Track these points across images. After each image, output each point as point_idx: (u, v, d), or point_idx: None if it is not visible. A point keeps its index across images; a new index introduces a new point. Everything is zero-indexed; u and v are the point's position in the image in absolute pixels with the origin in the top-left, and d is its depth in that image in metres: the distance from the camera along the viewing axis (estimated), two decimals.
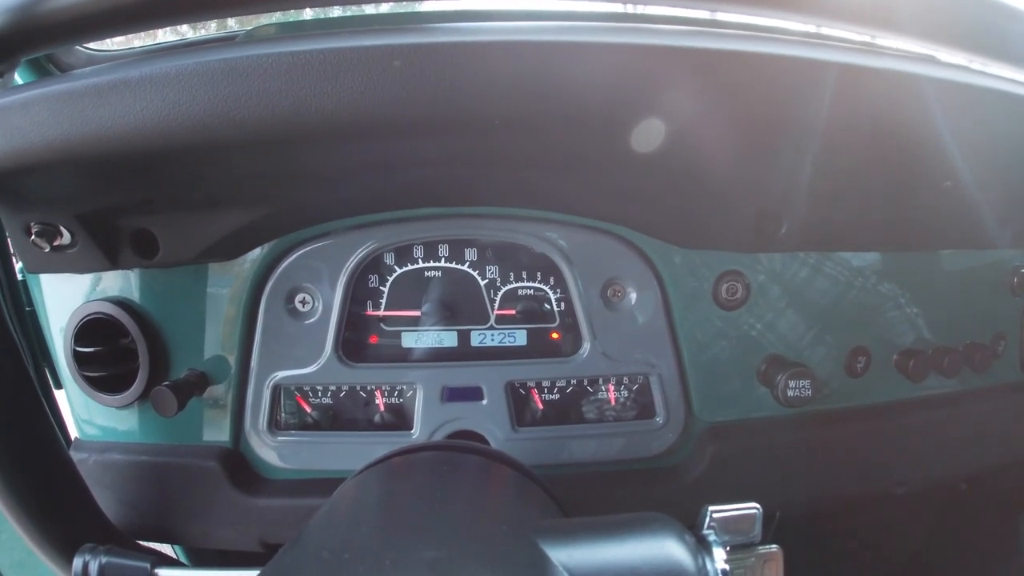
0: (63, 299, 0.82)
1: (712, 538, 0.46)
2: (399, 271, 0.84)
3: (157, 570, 0.66)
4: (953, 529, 1.27)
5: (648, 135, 0.62)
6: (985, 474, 1.07)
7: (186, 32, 1.40)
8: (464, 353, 0.85)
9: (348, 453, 0.83)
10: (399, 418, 0.85)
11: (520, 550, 0.42)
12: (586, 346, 0.83)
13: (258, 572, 0.43)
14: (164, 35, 1.36)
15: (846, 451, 0.90)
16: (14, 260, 0.92)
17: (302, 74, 0.52)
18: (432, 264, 0.84)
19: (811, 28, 0.84)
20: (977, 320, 0.95)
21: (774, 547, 0.50)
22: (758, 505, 0.49)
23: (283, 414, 0.85)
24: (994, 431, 0.98)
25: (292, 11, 1.17)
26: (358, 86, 0.53)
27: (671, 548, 0.43)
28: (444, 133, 0.61)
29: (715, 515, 0.47)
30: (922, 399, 0.94)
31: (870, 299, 0.89)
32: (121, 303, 0.79)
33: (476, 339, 0.85)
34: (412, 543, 0.42)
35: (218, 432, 0.83)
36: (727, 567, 0.44)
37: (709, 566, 0.43)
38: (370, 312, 0.84)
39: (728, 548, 0.46)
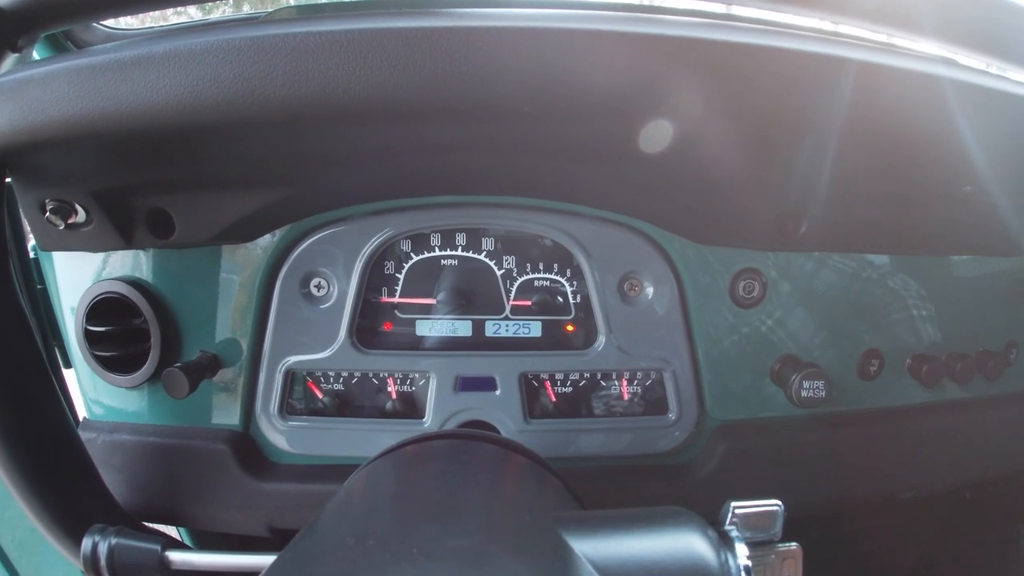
0: (76, 278, 0.82)
1: (734, 534, 0.45)
2: (415, 258, 0.83)
3: (167, 552, 0.65)
4: (957, 536, 1.27)
5: (655, 136, 0.62)
6: (991, 482, 1.07)
7: (195, 15, 1.39)
8: (478, 343, 0.84)
9: (358, 440, 0.82)
10: (411, 406, 0.85)
11: (544, 541, 0.42)
12: (601, 339, 0.83)
13: (273, 556, 0.43)
14: (178, 19, 1.35)
15: (856, 454, 0.90)
16: (27, 237, 0.91)
17: (329, 54, 0.52)
18: (448, 252, 0.83)
19: (829, 26, 0.84)
20: (990, 327, 0.95)
21: (794, 545, 0.50)
22: (780, 502, 0.48)
23: (294, 399, 0.84)
24: (1004, 439, 0.97)
25: None
26: (384, 68, 0.52)
27: (694, 543, 0.43)
28: (467, 119, 0.61)
29: (737, 511, 0.47)
30: (933, 404, 0.93)
31: (885, 302, 0.89)
32: (134, 283, 0.79)
33: (491, 329, 0.84)
34: (436, 531, 0.41)
35: (228, 415, 0.83)
36: (749, 563, 0.43)
37: (731, 562, 0.43)
38: (385, 299, 0.84)
39: (749, 544, 0.45)
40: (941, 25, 0.57)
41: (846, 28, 0.78)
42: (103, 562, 0.64)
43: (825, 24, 0.86)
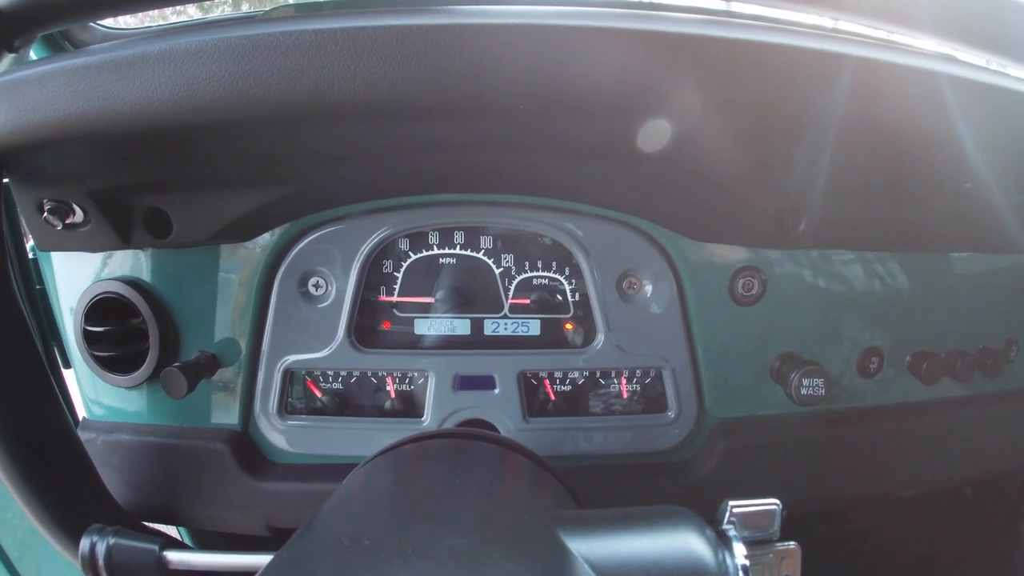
0: (74, 278, 0.82)
1: (732, 533, 0.45)
2: (413, 257, 0.83)
3: (165, 552, 0.65)
4: (958, 533, 1.27)
5: (653, 135, 0.62)
6: (991, 479, 1.07)
7: (194, 15, 1.39)
8: (477, 341, 0.84)
9: (357, 439, 0.82)
10: (409, 405, 0.85)
11: (540, 540, 0.42)
12: (600, 338, 0.83)
13: (271, 556, 0.42)
14: (177, 18, 1.35)
15: (856, 451, 0.90)
16: (26, 238, 0.91)
17: (324, 53, 0.52)
18: (447, 251, 0.83)
19: (828, 23, 0.84)
20: (990, 324, 0.95)
21: (792, 544, 0.49)
22: (778, 501, 0.48)
23: (293, 398, 0.84)
24: (1004, 437, 0.97)
25: None
26: (380, 66, 0.52)
27: (692, 542, 0.42)
28: (463, 117, 0.61)
29: (735, 510, 0.47)
30: (933, 402, 0.93)
31: (885, 300, 0.88)
32: (132, 283, 0.79)
33: (489, 328, 0.84)
34: (432, 531, 0.41)
35: (227, 415, 0.83)
36: (747, 562, 0.43)
37: (729, 561, 0.43)
38: (383, 298, 0.84)
39: (747, 544, 0.45)
40: (940, 21, 0.57)
41: (845, 25, 0.78)
42: (101, 562, 0.64)
43: (824, 21, 0.86)
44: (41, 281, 0.89)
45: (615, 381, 0.86)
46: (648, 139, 0.63)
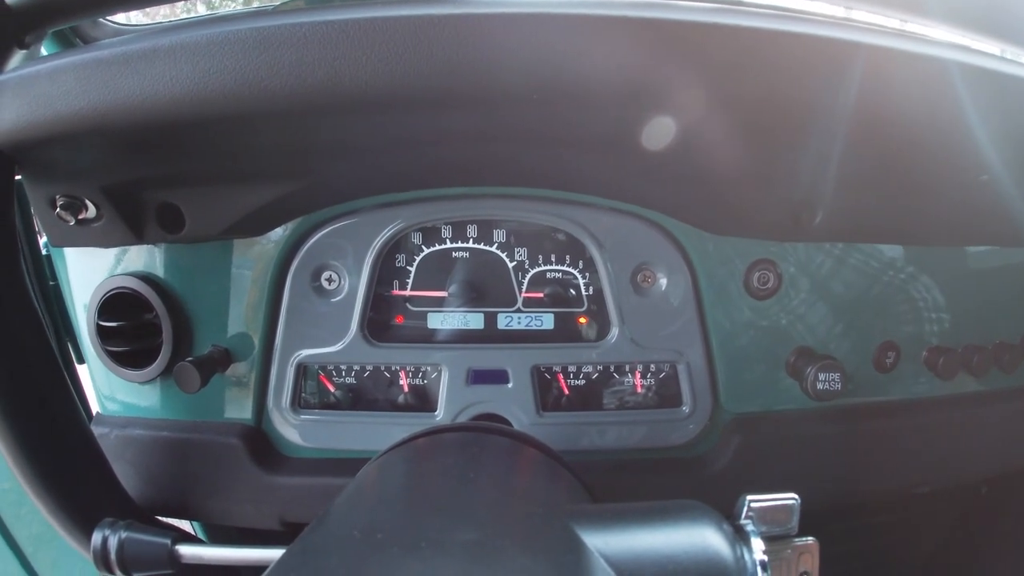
0: (87, 273, 0.82)
1: (750, 528, 0.45)
2: (426, 251, 0.83)
3: (177, 546, 0.65)
4: (972, 531, 1.25)
5: (657, 132, 0.61)
6: (1007, 477, 1.05)
7: (203, 11, 1.39)
8: (490, 336, 0.84)
9: (370, 433, 0.82)
10: (422, 399, 0.84)
11: (555, 534, 0.41)
12: (614, 332, 0.82)
13: (283, 550, 0.42)
14: (187, 14, 1.35)
15: (872, 447, 0.88)
16: (39, 234, 0.91)
17: (336, 44, 0.52)
18: (460, 245, 0.83)
19: (841, 11, 0.83)
20: (1007, 319, 0.93)
21: (810, 539, 0.49)
22: (796, 496, 0.47)
23: (306, 393, 0.84)
24: (1021, 433, 0.96)
25: None
26: (391, 56, 0.52)
27: (709, 537, 0.42)
28: (476, 107, 0.60)
29: (753, 505, 0.46)
30: (950, 397, 0.92)
31: (901, 294, 0.87)
32: (145, 278, 0.79)
33: (503, 322, 0.84)
34: (445, 524, 0.41)
35: (240, 409, 0.83)
36: (765, 558, 0.42)
37: (747, 556, 0.42)
38: (396, 292, 0.83)
39: (765, 539, 0.45)
40: (953, 9, 0.56)
41: (858, 13, 0.77)
42: (113, 556, 0.64)
43: (837, 9, 0.85)
44: (54, 277, 0.89)
45: (629, 375, 0.85)
46: (652, 137, 0.63)
